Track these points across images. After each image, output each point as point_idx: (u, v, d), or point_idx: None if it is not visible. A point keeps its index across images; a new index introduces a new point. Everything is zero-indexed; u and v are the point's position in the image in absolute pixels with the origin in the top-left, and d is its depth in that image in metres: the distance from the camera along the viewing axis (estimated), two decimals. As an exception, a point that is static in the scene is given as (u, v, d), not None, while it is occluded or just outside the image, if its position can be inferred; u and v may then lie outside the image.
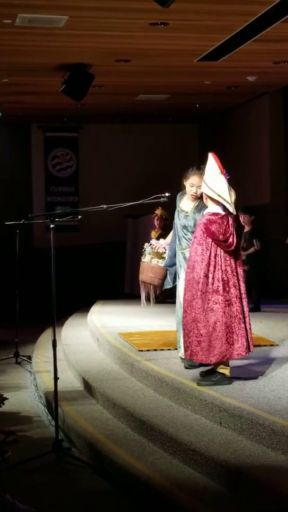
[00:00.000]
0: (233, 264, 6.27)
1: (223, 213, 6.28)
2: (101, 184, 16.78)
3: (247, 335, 6.25)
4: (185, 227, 7.00)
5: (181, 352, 6.84)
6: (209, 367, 6.46)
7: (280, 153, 13.76)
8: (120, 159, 16.98)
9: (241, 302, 6.26)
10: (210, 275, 6.18)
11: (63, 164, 17.18)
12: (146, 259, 7.43)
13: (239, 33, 9.21)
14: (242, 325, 6.22)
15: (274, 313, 10.80)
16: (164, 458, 5.41)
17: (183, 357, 6.74)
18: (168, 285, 7.31)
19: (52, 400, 6.35)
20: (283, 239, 10.74)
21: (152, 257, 7.39)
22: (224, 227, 6.22)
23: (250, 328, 6.32)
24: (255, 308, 10.93)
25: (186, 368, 6.91)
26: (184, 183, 7.04)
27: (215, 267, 6.20)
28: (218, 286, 6.18)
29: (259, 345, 7.87)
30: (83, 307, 12.45)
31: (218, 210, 6.29)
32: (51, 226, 6.06)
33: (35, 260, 12.91)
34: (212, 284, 6.18)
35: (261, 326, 9.35)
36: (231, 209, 6.27)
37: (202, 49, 10.12)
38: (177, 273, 7.14)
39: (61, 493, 5.22)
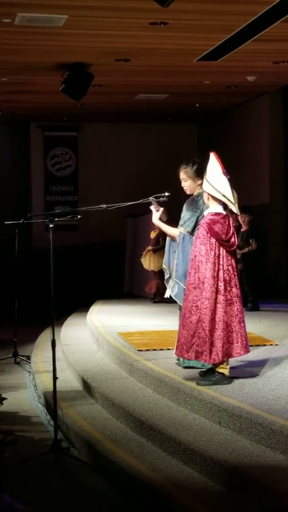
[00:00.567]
0: (234, 264, 6.29)
1: (224, 212, 6.28)
2: (100, 183, 16.77)
3: (245, 334, 6.27)
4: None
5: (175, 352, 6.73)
6: (208, 367, 6.45)
7: (279, 153, 13.77)
8: (119, 158, 16.97)
9: (240, 301, 6.29)
10: (215, 275, 6.19)
11: (63, 163, 17.16)
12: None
13: (238, 33, 9.22)
14: (242, 325, 6.23)
15: (273, 312, 10.81)
16: (163, 457, 5.41)
17: (181, 357, 6.68)
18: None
19: (51, 400, 6.35)
20: (282, 239, 10.76)
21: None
22: (226, 227, 6.22)
23: (245, 327, 6.33)
24: (253, 307, 10.96)
25: (186, 368, 6.88)
26: None
27: (218, 267, 6.20)
28: (220, 286, 6.18)
29: (258, 345, 7.88)
30: (82, 306, 12.44)
31: (220, 209, 6.29)
32: (51, 225, 6.06)
33: (34, 260, 12.89)
34: (216, 284, 6.18)
35: (261, 325, 9.35)
36: (235, 209, 6.27)
37: (201, 48, 10.12)
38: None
39: (59, 493, 5.22)
